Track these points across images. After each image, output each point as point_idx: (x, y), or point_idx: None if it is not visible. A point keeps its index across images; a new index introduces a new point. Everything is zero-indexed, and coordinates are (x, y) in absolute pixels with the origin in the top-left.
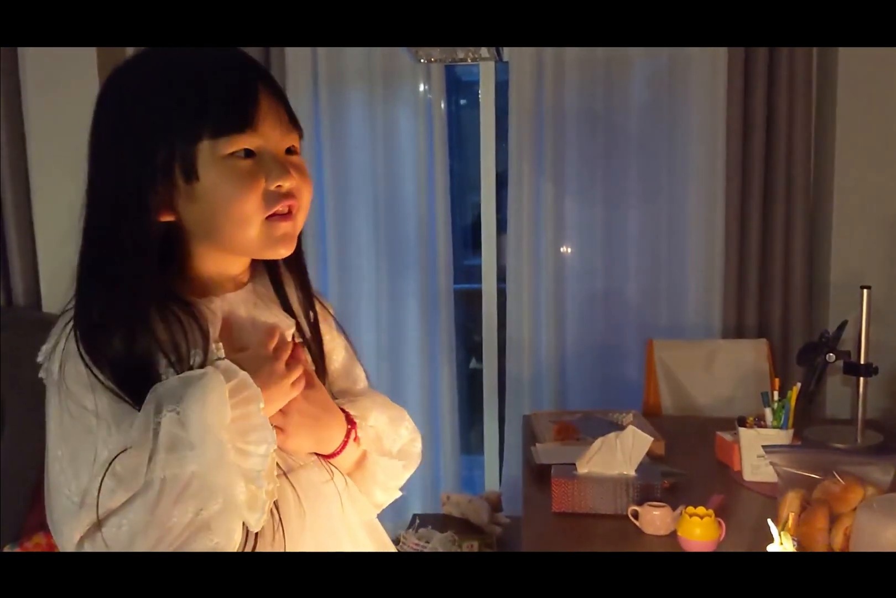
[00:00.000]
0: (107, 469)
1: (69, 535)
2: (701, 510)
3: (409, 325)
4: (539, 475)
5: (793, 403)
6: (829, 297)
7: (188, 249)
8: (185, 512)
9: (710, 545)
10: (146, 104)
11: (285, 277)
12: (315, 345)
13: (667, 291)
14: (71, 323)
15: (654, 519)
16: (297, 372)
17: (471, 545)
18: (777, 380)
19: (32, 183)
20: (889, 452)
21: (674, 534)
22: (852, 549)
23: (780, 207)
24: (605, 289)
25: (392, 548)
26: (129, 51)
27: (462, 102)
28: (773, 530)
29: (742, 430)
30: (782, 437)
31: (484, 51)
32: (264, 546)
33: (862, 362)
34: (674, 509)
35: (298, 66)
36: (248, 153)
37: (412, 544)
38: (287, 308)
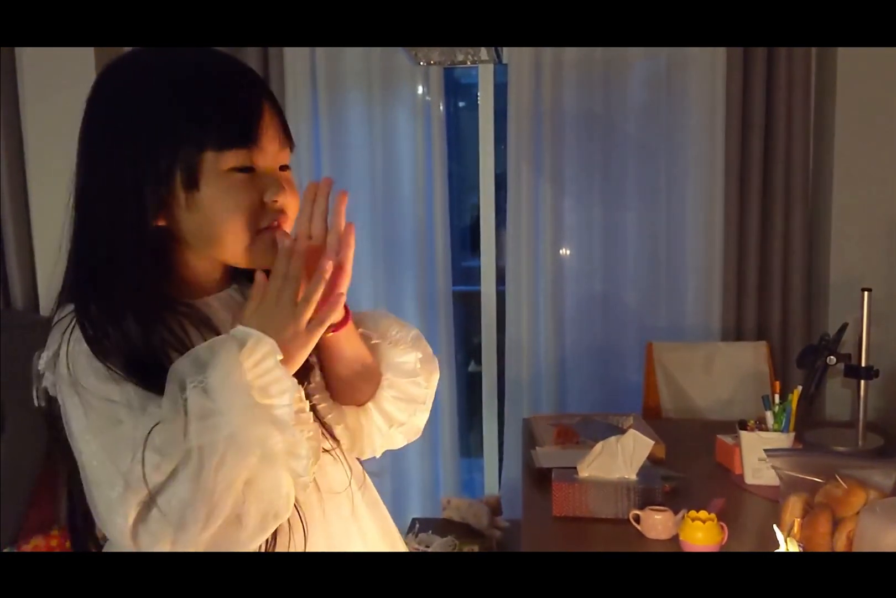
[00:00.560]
0: (144, 445)
1: (121, 524)
2: (703, 513)
3: None
4: (539, 479)
5: (794, 406)
6: (829, 299)
7: (176, 253)
8: (229, 475)
9: (712, 549)
10: (148, 107)
11: None
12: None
13: (666, 294)
14: (70, 329)
15: (656, 523)
16: (305, 314)
17: (471, 550)
18: (777, 383)
19: (30, 185)
20: (890, 455)
21: (676, 538)
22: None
23: (779, 208)
24: (604, 291)
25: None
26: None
27: (461, 104)
28: (779, 536)
29: (743, 433)
30: (783, 440)
31: (483, 53)
32: (284, 546)
33: (863, 364)
34: (675, 513)
35: (297, 68)
36: (248, 168)
37: (412, 548)
38: None
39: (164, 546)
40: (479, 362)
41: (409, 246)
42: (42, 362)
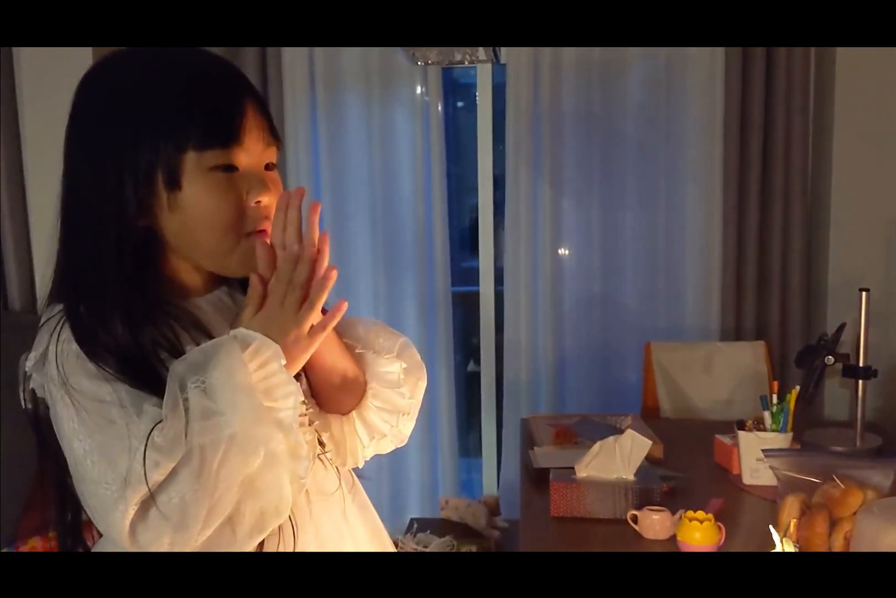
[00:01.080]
0: (146, 444)
1: (119, 523)
2: (700, 514)
3: (407, 327)
4: (537, 479)
5: (792, 406)
6: (827, 299)
7: (162, 254)
8: (230, 474)
9: (710, 549)
10: (131, 106)
11: None
12: None
13: (664, 294)
14: (58, 329)
15: (654, 523)
16: (308, 319)
17: (469, 550)
18: (776, 383)
19: (28, 186)
20: (888, 455)
21: (673, 538)
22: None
23: (778, 208)
24: (602, 291)
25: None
26: None
27: (459, 104)
28: (775, 536)
29: (741, 433)
30: (781, 440)
31: (481, 53)
32: (273, 547)
33: (861, 364)
34: (673, 513)
35: (295, 68)
36: (231, 167)
37: (410, 548)
38: None
39: (163, 545)
40: (477, 362)
41: (409, 247)
42: (29, 363)
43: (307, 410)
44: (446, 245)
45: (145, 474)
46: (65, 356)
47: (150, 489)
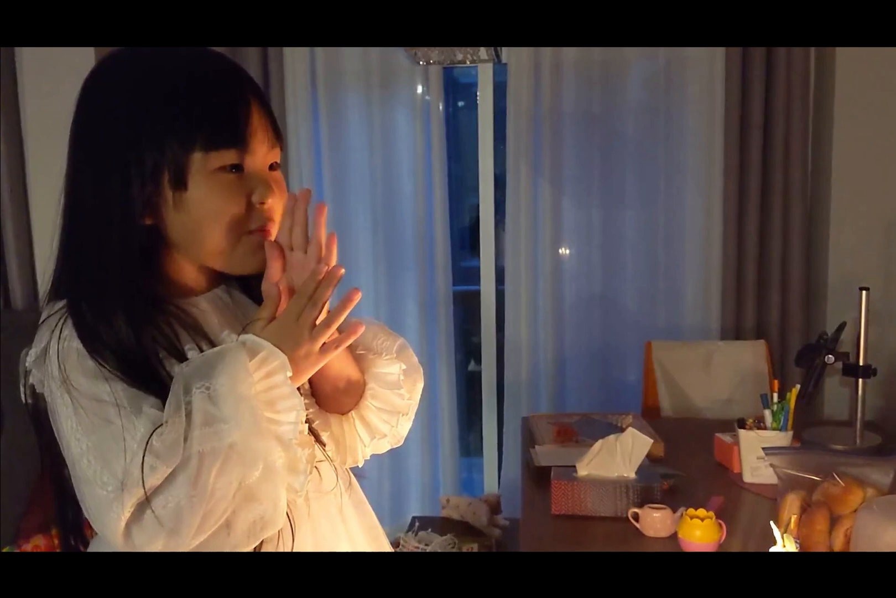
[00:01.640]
0: (145, 448)
1: (114, 524)
2: (701, 511)
3: (408, 327)
4: (538, 478)
5: (792, 404)
6: (827, 298)
7: (164, 253)
8: (228, 483)
9: (711, 547)
10: (138, 105)
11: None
12: None
13: (665, 293)
14: (59, 326)
15: (655, 521)
16: (323, 337)
17: (470, 548)
18: (776, 382)
19: (30, 186)
20: (888, 453)
21: (674, 536)
22: (853, 550)
23: (778, 208)
24: (603, 290)
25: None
26: None
27: (460, 103)
28: (776, 532)
29: (742, 432)
30: (782, 439)
31: (482, 52)
32: (272, 545)
33: (861, 363)
34: (674, 511)
35: (296, 67)
36: (236, 167)
37: (412, 547)
38: None
39: (156, 548)
40: (478, 361)
41: (409, 246)
42: (30, 359)
43: (308, 410)
44: (447, 244)
45: (143, 478)
46: (65, 354)
47: (146, 493)
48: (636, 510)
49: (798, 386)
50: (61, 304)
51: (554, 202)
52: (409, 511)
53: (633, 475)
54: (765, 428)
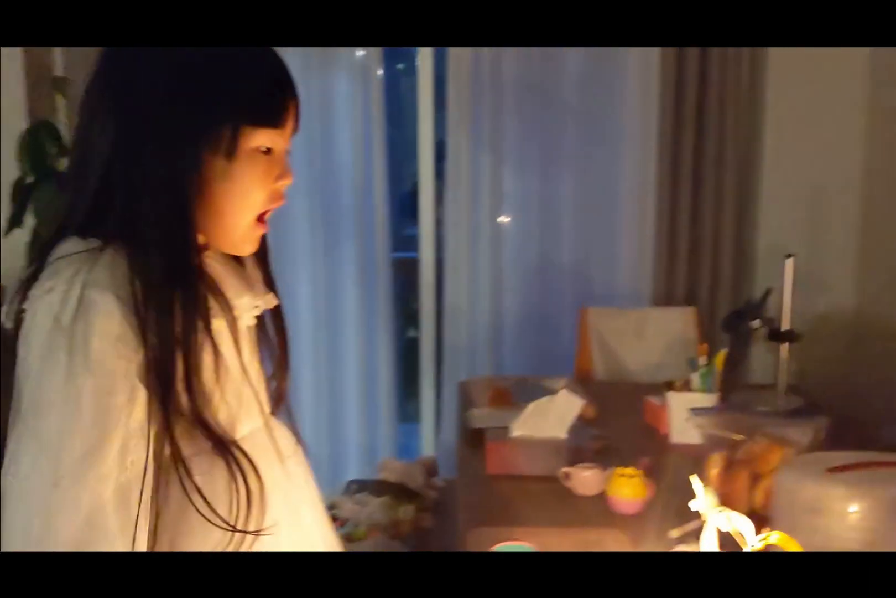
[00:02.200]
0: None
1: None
2: (630, 470)
3: (346, 293)
4: (473, 439)
5: (719, 367)
6: (757, 265)
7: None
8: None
9: (637, 504)
10: (202, 69)
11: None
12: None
13: (600, 260)
14: (83, 271)
15: (585, 480)
16: None
17: (407, 509)
18: (705, 346)
19: None
20: (807, 414)
21: (603, 494)
22: (771, 507)
23: (711, 177)
24: (540, 257)
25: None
26: None
27: (399, 66)
28: (697, 485)
29: (670, 393)
30: (708, 400)
31: None
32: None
33: (784, 329)
34: (604, 470)
35: None
36: (268, 149)
37: (348, 509)
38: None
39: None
40: (417, 327)
41: (349, 213)
42: (35, 291)
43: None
44: (386, 211)
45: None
46: (88, 305)
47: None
48: (567, 469)
49: (725, 350)
50: (84, 244)
51: (494, 170)
52: (346, 477)
53: (564, 436)
54: (692, 390)
